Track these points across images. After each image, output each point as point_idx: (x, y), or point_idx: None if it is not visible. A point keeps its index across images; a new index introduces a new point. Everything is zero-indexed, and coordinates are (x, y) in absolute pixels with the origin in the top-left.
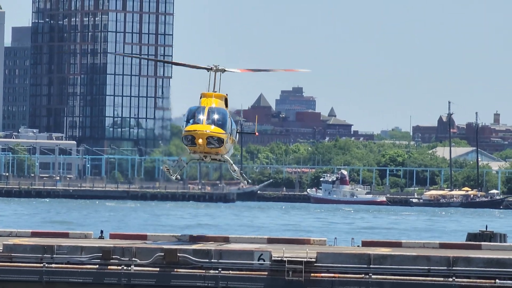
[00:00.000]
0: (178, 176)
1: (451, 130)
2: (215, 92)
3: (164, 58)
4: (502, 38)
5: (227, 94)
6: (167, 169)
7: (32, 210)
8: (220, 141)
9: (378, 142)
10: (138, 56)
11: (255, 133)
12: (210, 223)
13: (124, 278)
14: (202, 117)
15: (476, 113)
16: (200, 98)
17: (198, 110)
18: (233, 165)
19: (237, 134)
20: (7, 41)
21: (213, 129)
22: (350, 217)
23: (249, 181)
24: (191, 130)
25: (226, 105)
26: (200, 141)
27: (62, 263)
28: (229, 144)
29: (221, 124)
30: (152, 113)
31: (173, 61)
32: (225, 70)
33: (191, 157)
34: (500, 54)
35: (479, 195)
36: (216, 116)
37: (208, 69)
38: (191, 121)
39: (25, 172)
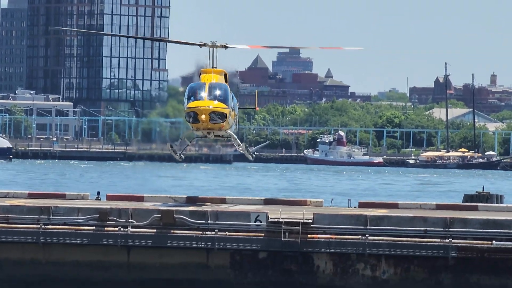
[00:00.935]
0: (182, 156)
1: (448, 91)
2: (214, 68)
3: (160, 20)
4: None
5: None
6: (171, 147)
7: (30, 171)
8: (223, 116)
9: (375, 103)
10: (134, 36)
11: (256, 108)
12: (207, 185)
13: (121, 240)
14: (204, 93)
15: (473, 74)
16: (199, 75)
17: (199, 86)
18: (237, 139)
19: (238, 109)
20: (4, 2)
21: (215, 104)
22: (348, 178)
23: (254, 155)
24: (193, 107)
25: (226, 81)
26: (203, 117)
27: (58, 224)
28: (232, 119)
29: (223, 99)
30: (149, 75)
31: (168, 38)
32: (226, 47)
33: (194, 134)
34: (497, 15)
35: (476, 157)
36: (217, 92)
37: (201, 45)
38: (192, 98)
39: (22, 133)
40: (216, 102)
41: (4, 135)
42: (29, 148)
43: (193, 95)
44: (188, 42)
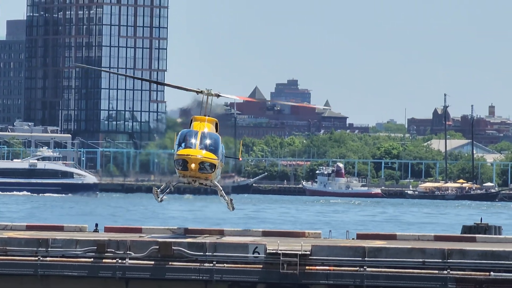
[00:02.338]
0: (164, 198)
1: (446, 122)
2: (206, 116)
3: (158, 51)
4: (498, 31)
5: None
6: (156, 192)
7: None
8: (212, 167)
9: (373, 134)
10: (132, 76)
11: (239, 158)
12: (204, 216)
13: (119, 271)
14: (195, 141)
15: (472, 105)
16: (191, 122)
17: (190, 134)
18: (222, 191)
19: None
20: (2, 34)
21: (205, 154)
22: (345, 209)
23: (234, 208)
24: (184, 154)
25: (216, 130)
26: (193, 166)
27: (57, 256)
28: (219, 169)
29: (213, 149)
30: (147, 106)
31: (166, 82)
32: (219, 95)
33: (180, 180)
34: (495, 47)
35: (474, 188)
36: (208, 141)
37: (198, 92)
38: (183, 144)
39: None
40: (205, 151)
41: (90, 171)
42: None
43: (184, 141)
44: (186, 88)
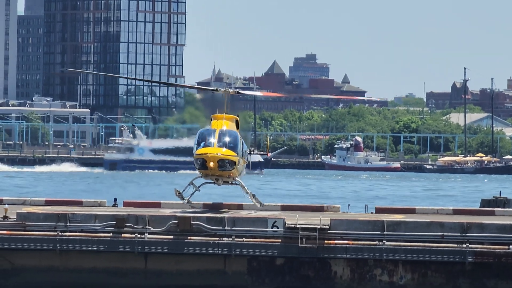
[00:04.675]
0: (191, 201)
1: (465, 96)
2: (226, 114)
3: (177, 26)
4: None
5: (238, 115)
6: (178, 193)
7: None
8: (232, 164)
9: (392, 108)
10: (149, 80)
11: (267, 154)
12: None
13: (138, 246)
14: (213, 139)
15: (492, 79)
16: (211, 120)
17: (208, 132)
18: (246, 187)
19: (249, 155)
20: (20, 9)
21: (224, 152)
22: (365, 183)
23: (263, 204)
24: (202, 153)
25: (237, 127)
26: (212, 164)
27: (76, 231)
28: (241, 166)
29: (233, 146)
30: (165, 81)
31: (184, 84)
32: (239, 93)
33: (203, 180)
34: None
35: (493, 161)
36: (227, 139)
37: (213, 91)
38: (202, 144)
39: (39, 140)
40: (225, 149)
41: (255, 149)
42: (46, 155)
43: (203, 141)
44: (203, 87)
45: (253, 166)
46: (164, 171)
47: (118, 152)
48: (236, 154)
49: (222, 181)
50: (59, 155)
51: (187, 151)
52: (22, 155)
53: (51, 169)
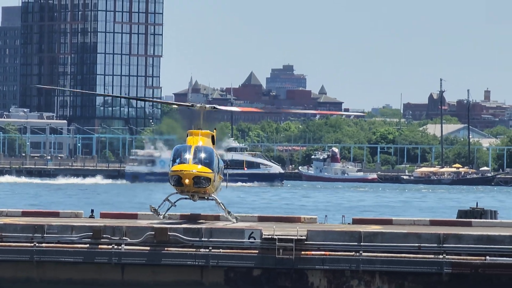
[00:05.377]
0: (166, 215)
1: (442, 107)
2: (201, 129)
3: (154, 37)
4: (492, 15)
5: (215, 129)
6: (153, 209)
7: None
8: (208, 180)
9: (369, 119)
10: (125, 96)
11: (244, 168)
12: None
13: (115, 257)
14: (189, 156)
15: (468, 90)
16: (187, 136)
17: (184, 149)
18: (221, 204)
19: (225, 168)
20: None
21: (199, 169)
22: (341, 194)
23: (238, 219)
24: (178, 170)
25: (213, 142)
26: (187, 181)
27: (52, 242)
28: (217, 182)
29: (208, 163)
30: (142, 92)
31: (160, 100)
32: (215, 108)
33: (178, 195)
34: (491, 31)
35: (470, 172)
36: (202, 155)
37: (189, 107)
38: (177, 160)
39: (16, 151)
40: (200, 166)
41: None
42: (23, 166)
43: (178, 157)
44: (179, 103)
45: (272, 179)
46: None
47: (140, 164)
48: (211, 171)
49: (198, 197)
50: (36, 167)
51: None
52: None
53: (54, 181)
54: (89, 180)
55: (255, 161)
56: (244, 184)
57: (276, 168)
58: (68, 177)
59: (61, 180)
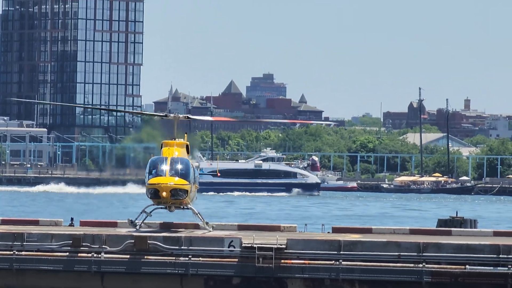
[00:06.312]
0: (143, 225)
1: (422, 116)
2: (175, 140)
3: (134, 45)
4: (472, 24)
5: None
6: (130, 221)
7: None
8: (185, 192)
9: (349, 128)
10: (106, 108)
11: (217, 174)
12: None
13: (94, 266)
14: (165, 168)
15: (447, 99)
16: (161, 147)
17: (160, 160)
18: (199, 214)
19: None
20: None
21: (177, 181)
22: (321, 203)
23: (214, 227)
24: (155, 183)
25: (188, 152)
26: (164, 194)
27: (32, 251)
28: (193, 192)
29: (184, 174)
30: (122, 100)
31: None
32: (189, 118)
33: (155, 206)
34: (470, 40)
35: (450, 182)
36: (179, 167)
37: (162, 117)
38: (153, 172)
39: None
40: (177, 178)
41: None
42: (3, 175)
43: (155, 169)
44: (153, 114)
45: (310, 188)
46: (221, 193)
47: None
48: (188, 183)
49: (175, 207)
50: (16, 175)
51: (247, 173)
52: None
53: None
54: (69, 189)
55: (291, 171)
56: (283, 194)
57: (313, 178)
58: (47, 184)
59: (40, 188)
